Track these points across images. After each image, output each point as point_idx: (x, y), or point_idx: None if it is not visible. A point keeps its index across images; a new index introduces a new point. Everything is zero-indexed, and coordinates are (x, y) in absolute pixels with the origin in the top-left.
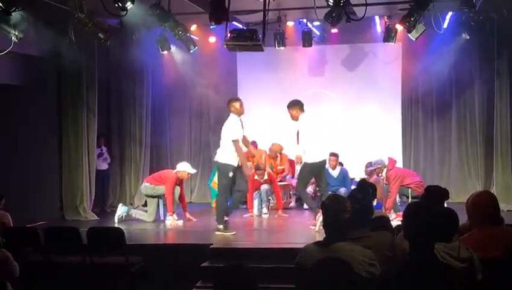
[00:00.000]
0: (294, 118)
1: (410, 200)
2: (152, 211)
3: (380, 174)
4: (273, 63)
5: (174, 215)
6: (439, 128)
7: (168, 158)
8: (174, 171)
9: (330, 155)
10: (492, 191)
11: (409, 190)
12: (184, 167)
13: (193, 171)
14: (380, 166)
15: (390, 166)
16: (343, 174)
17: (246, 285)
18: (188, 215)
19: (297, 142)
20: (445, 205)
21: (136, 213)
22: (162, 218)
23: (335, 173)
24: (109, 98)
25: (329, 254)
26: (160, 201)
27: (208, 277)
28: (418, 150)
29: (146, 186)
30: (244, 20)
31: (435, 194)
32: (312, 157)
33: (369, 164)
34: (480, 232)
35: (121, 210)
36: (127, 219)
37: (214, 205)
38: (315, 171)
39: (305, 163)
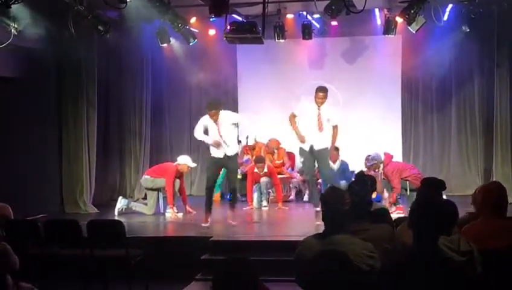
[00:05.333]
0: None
1: (408, 192)
2: (152, 203)
3: (376, 170)
4: (273, 55)
5: (174, 208)
6: (439, 120)
7: (167, 151)
8: (175, 163)
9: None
10: None
11: (407, 182)
12: (185, 160)
13: (193, 165)
14: (376, 162)
15: (387, 161)
16: (344, 167)
17: (246, 277)
18: (188, 208)
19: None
20: (444, 197)
21: (136, 206)
22: (162, 211)
23: (335, 166)
24: (108, 91)
25: (329, 246)
26: (160, 194)
27: (208, 269)
28: (418, 142)
29: (146, 179)
30: (244, 12)
31: (432, 186)
32: None
33: (369, 157)
34: (486, 221)
35: (120, 203)
36: (127, 212)
37: (214, 198)
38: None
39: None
